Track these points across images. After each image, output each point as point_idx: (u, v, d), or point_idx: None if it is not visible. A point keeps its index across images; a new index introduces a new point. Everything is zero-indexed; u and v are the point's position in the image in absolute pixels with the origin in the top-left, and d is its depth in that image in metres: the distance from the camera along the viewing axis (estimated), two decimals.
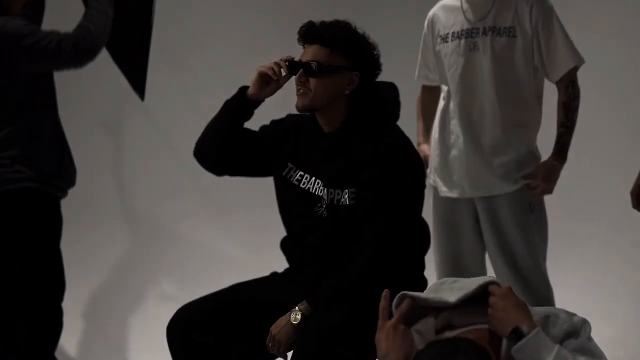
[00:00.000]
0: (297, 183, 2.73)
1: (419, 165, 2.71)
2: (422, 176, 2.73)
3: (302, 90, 2.68)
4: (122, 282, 4.83)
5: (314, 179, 2.70)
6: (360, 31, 2.72)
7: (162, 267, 4.84)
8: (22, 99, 3.23)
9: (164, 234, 4.90)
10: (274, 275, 2.83)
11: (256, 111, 2.79)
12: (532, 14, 3.25)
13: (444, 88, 3.43)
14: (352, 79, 2.67)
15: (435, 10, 3.46)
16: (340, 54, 2.66)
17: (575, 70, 3.31)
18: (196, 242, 4.86)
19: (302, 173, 2.72)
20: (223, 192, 4.75)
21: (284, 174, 2.75)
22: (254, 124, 2.82)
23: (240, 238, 4.84)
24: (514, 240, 3.32)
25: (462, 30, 3.33)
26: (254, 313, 2.68)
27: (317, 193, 2.68)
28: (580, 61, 3.31)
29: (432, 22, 3.44)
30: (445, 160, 3.39)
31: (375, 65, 2.72)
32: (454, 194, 3.37)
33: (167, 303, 4.48)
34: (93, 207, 4.87)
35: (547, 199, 3.40)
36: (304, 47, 2.72)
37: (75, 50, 3.18)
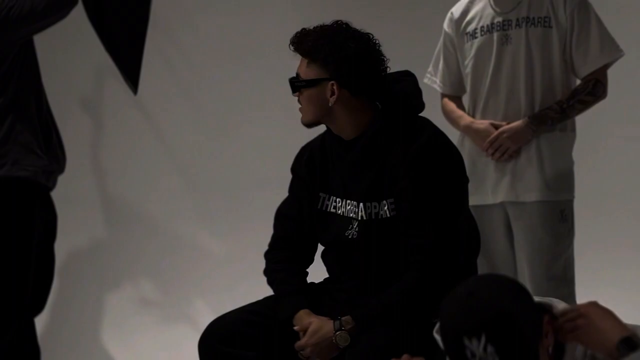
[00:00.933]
0: (334, 210, 2.61)
1: (455, 160, 2.56)
2: (461, 171, 2.57)
3: (299, 106, 2.59)
4: (92, 276, 4.62)
5: (346, 200, 2.58)
6: (345, 34, 2.50)
7: (139, 263, 4.62)
8: (6, 71, 3.10)
9: (143, 227, 4.67)
10: (310, 285, 2.70)
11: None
12: (567, 2, 3.13)
13: (466, 96, 3.33)
14: (332, 89, 2.51)
15: (456, 7, 3.32)
16: (317, 64, 2.51)
17: (605, 68, 3.18)
18: (177, 235, 4.65)
19: (335, 197, 2.61)
20: (208, 178, 4.53)
21: (318, 207, 2.63)
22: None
23: (224, 233, 4.61)
24: (545, 249, 3.18)
25: (492, 24, 3.20)
26: (289, 326, 2.56)
27: (348, 215, 2.57)
28: (613, 56, 3.17)
29: (455, 21, 3.29)
30: (474, 165, 3.24)
31: (356, 72, 2.50)
32: (485, 201, 3.23)
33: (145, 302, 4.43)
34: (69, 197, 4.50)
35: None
36: None
37: (49, 5, 3.05)
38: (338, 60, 2.48)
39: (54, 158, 3.18)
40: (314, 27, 2.53)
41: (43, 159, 3.12)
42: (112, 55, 3.33)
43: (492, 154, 3.17)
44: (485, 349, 1.78)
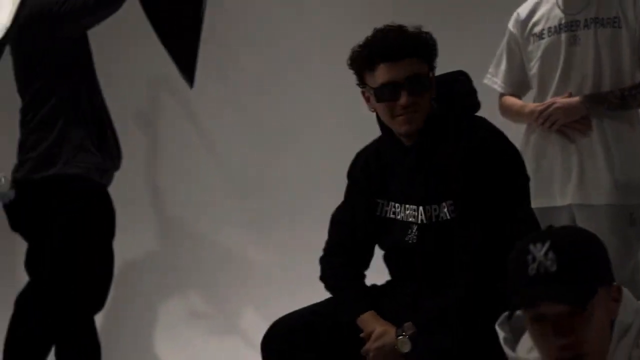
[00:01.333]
0: (393, 216, 2.59)
1: (512, 159, 2.52)
2: (519, 171, 2.53)
3: (410, 113, 2.47)
4: (147, 286, 4.60)
5: (405, 205, 2.55)
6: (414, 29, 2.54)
7: (192, 273, 4.60)
8: (57, 70, 3.10)
9: (197, 240, 4.63)
10: (373, 287, 2.68)
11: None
12: (637, 2, 3.08)
13: (529, 96, 3.27)
14: (434, 82, 2.53)
15: (523, 8, 3.29)
16: (425, 59, 2.51)
17: None
18: (229, 249, 4.60)
19: (394, 203, 2.58)
20: (259, 190, 4.48)
21: (377, 213, 2.61)
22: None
23: (276, 243, 4.55)
24: (613, 252, 2.96)
25: (560, 25, 3.16)
26: (351, 328, 2.54)
27: (407, 219, 2.54)
28: None
29: (521, 21, 3.26)
30: (539, 167, 3.18)
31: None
32: (552, 203, 3.16)
33: (193, 313, 4.42)
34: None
35: None
36: (372, 67, 2.49)
37: (99, 2, 3.07)
38: (436, 51, 2.53)
39: (107, 155, 3.16)
40: (391, 29, 2.50)
41: (97, 156, 3.11)
42: (167, 47, 3.30)
43: (542, 124, 3.12)
44: (546, 254, 1.75)
